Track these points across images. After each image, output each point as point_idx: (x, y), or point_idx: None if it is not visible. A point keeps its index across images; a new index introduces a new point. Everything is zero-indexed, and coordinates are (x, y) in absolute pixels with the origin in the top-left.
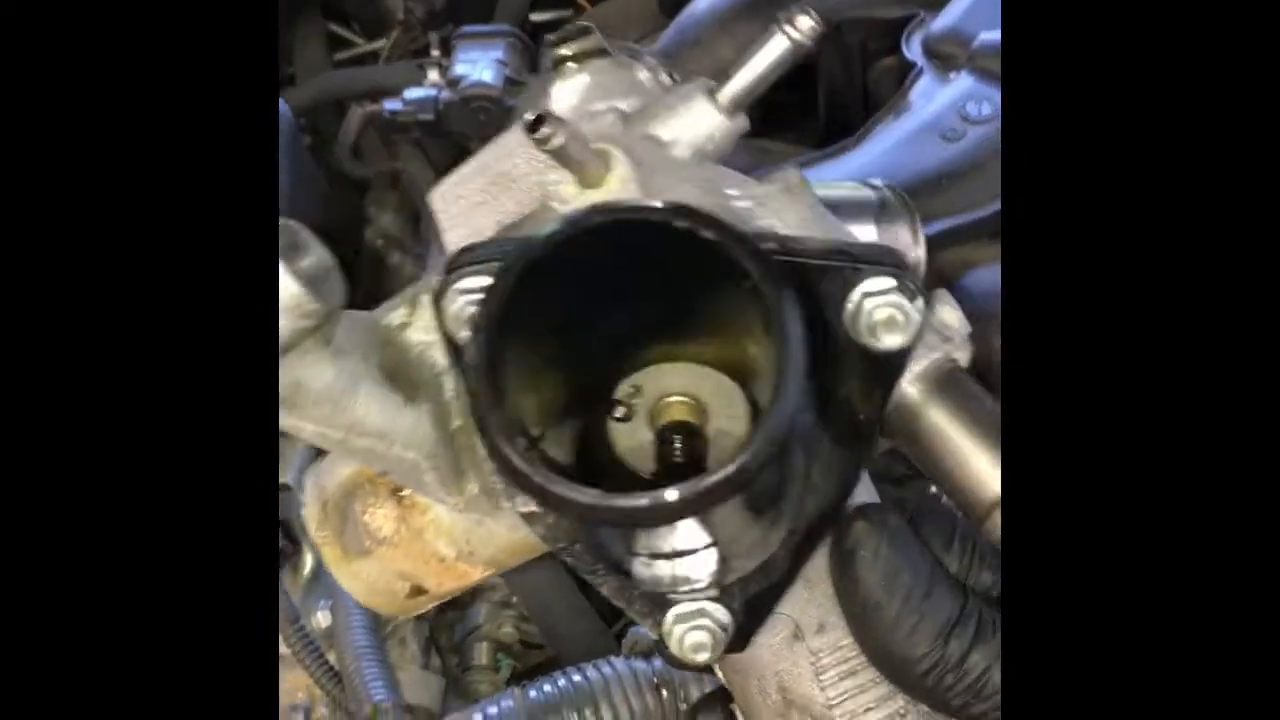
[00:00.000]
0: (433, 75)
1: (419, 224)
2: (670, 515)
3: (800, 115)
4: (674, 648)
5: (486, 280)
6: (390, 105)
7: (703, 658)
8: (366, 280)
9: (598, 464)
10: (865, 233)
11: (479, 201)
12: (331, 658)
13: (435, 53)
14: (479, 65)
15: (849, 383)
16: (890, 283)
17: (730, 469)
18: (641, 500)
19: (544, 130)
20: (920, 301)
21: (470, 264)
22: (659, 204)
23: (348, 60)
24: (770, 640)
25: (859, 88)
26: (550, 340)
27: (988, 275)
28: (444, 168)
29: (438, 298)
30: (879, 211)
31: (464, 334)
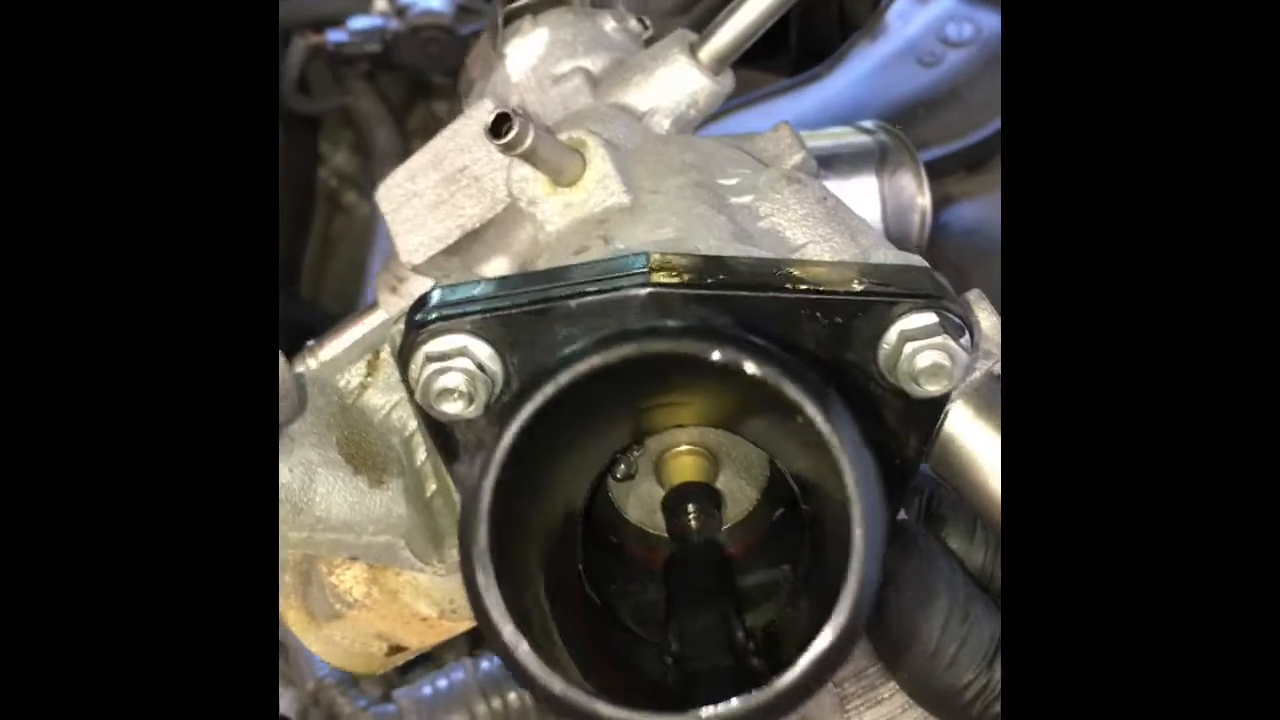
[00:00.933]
0: (380, 3)
1: (374, 162)
2: None
3: (771, 38)
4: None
5: (457, 340)
6: (334, 36)
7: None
8: (320, 223)
9: (606, 525)
10: (867, 186)
11: (435, 201)
12: None
13: None
14: None
15: (883, 426)
16: (931, 319)
17: (784, 685)
18: None
19: (510, 134)
20: (967, 338)
21: (438, 319)
22: (691, 331)
23: None
24: None
25: (834, 8)
26: (548, 442)
27: (968, 211)
28: (399, 103)
29: (403, 361)
30: (880, 160)
31: (445, 408)
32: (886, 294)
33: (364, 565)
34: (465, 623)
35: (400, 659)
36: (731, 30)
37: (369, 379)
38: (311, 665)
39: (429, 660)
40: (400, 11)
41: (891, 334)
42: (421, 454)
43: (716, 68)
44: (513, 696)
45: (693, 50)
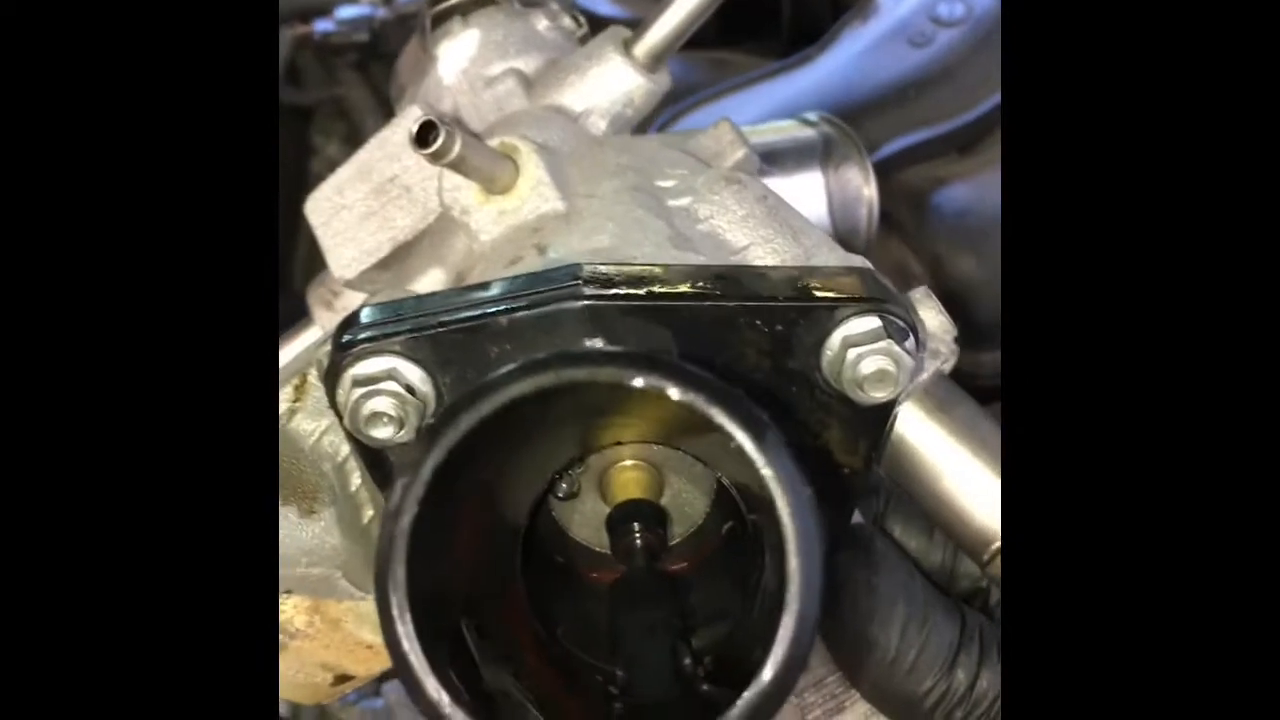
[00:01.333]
0: None
1: None
2: None
3: (762, 20)
4: None
5: (385, 362)
6: (322, 26)
7: None
8: None
9: (551, 544)
10: (812, 181)
11: (365, 213)
12: None
13: None
14: None
15: (828, 432)
16: (874, 323)
17: None
18: None
19: (436, 143)
20: (911, 341)
21: (365, 340)
22: (615, 357)
23: None
24: None
25: None
26: (483, 466)
27: (960, 193)
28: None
29: (330, 384)
30: (824, 154)
31: (375, 433)
32: (827, 299)
33: (303, 594)
34: None
35: (348, 688)
36: (664, 26)
37: (297, 403)
38: None
39: None
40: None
41: (834, 340)
42: (356, 479)
43: (652, 65)
44: None
45: (627, 47)
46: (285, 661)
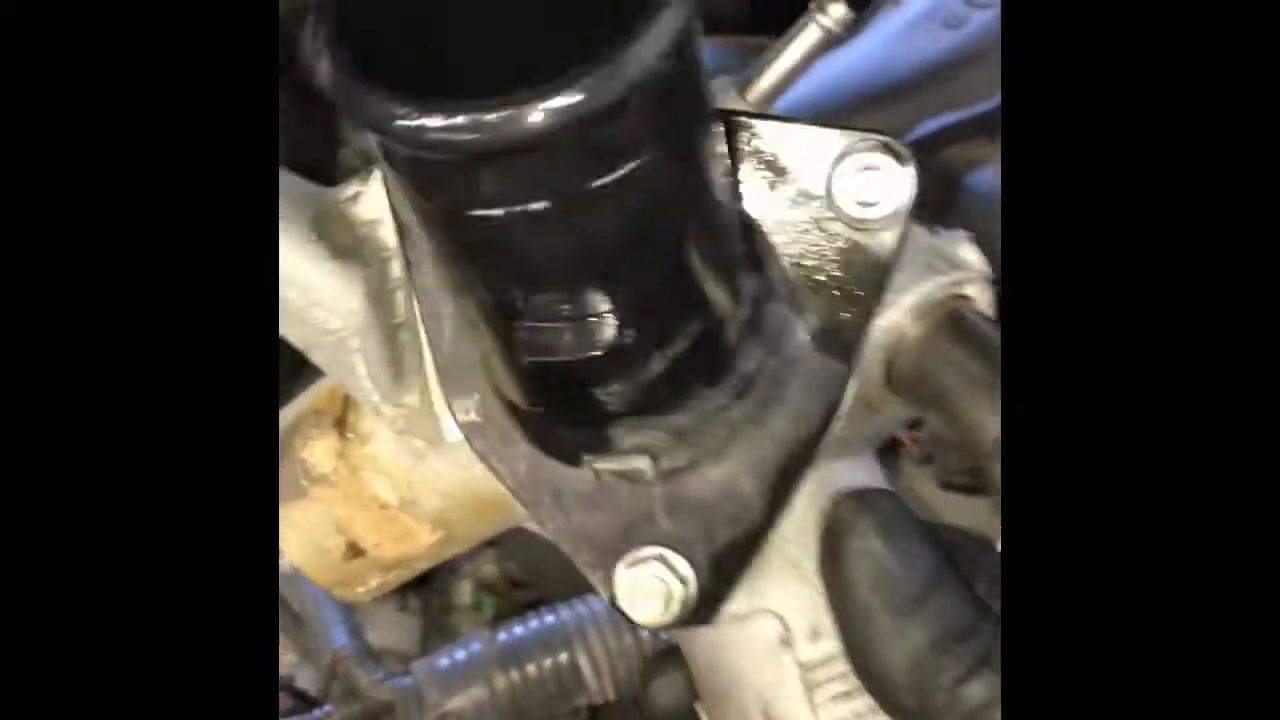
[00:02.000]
0: None
1: None
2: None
3: (795, 4)
4: (624, 603)
5: None
6: None
7: (654, 614)
8: None
9: None
10: None
11: None
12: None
13: None
14: None
15: (825, 271)
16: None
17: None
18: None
19: None
20: (911, 167)
21: None
22: None
23: None
24: (752, 647)
25: None
26: None
27: (992, 175)
28: None
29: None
30: None
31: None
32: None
33: (335, 436)
34: (425, 526)
35: (358, 568)
36: (776, 71)
37: (362, 189)
38: (328, 637)
39: (447, 636)
40: None
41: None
42: (395, 274)
43: (763, 106)
44: (531, 668)
45: (741, 91)
46: (303, 512)
